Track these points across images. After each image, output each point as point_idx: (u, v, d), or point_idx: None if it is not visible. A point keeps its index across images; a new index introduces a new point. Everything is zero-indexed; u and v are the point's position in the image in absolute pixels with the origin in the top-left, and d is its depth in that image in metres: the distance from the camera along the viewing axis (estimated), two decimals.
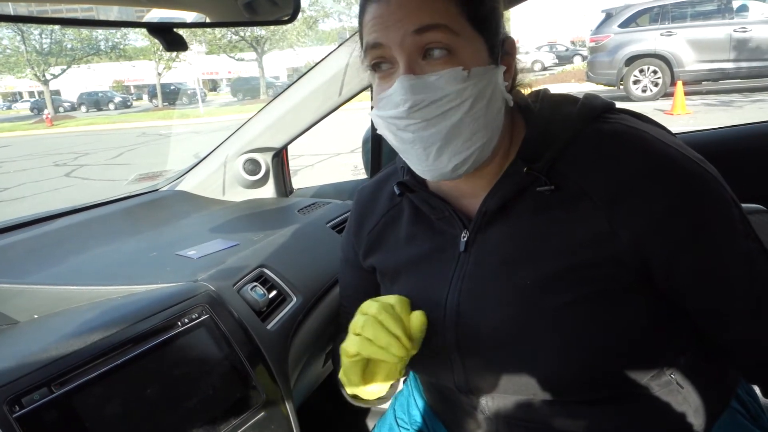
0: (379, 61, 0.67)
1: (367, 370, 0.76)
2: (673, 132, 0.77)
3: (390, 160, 0.99)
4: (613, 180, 0.65)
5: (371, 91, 1.48)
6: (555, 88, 0.78)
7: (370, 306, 0.71)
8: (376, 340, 0.69)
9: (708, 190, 0.66)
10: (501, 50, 0.69)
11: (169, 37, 0.72)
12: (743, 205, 0.69)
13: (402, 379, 1.05)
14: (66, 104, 32.62)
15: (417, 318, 0.70)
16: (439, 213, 0.77)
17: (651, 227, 0.64)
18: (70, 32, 27.87)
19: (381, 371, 0.76)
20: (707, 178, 0.66)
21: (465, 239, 0.74)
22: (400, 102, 0.64)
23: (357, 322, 0.71)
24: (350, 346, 0.71)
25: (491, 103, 0.66)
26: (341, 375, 0.78)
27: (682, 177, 0.65)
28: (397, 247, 0.83)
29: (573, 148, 0.69)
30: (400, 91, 0.64)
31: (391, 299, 0.72)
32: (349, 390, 0.80)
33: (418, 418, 0.97)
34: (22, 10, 0.75)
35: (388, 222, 0.85)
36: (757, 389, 0.88)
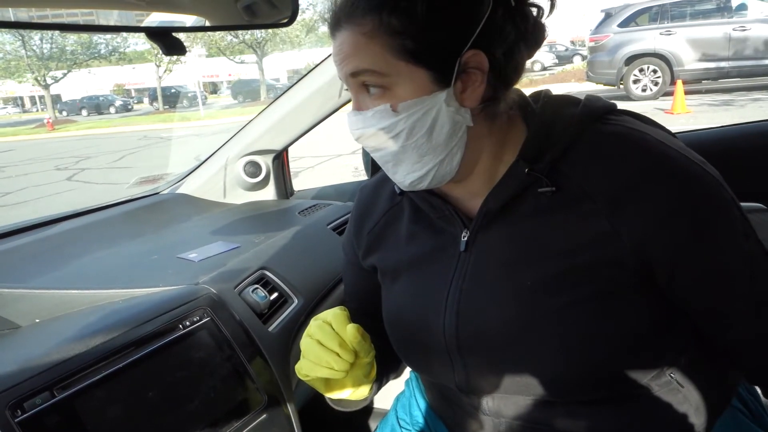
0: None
1: (333, 380, 0.78)
2: (674, 131, 0.77)
3: None
4: (615, 181, 0.65)
5: None
6: (555, 88, 0.78)
7: (309, 326, 0.74)
8: (318, 361, 0.71)
9: (709, 192, 0.66)
10: (457, 69, 0.66)
11: (168, 42, 0.72)
12: (743, 203, 0.69)
13: (404, 378, 1.05)
14: (63, 108, 32.62)
15: (350, 332, 0.72)
16: (440, 212, 0.77)
17: (652, 229, 0.64)
18: (72, 36, 27.93)
19: (345, 381, 0.78)
20: (708, 180, 0.66)
21: (465, 239, 0.74)
22: (352, 133, 0.72)
23: (301, 344, 0.74)
24: (300, 369, 0.74)
25: (435, 129, 0.68)
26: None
27: (683, 179, 0.65)
28: (398, 246, 0.83)
29: (574, 149, 0.69)
30: (348, 123, 0.72)
31: (328, 315, 0.74)
32: (327, 396, 0.82)
33: (420, 419, 0.97)
34: (23, 15, 0.75)
35: (389, 221, 0.85)
36: (758, 389, 0.88)
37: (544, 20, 0.72)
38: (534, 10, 0.71)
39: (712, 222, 0.65)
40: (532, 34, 0.70)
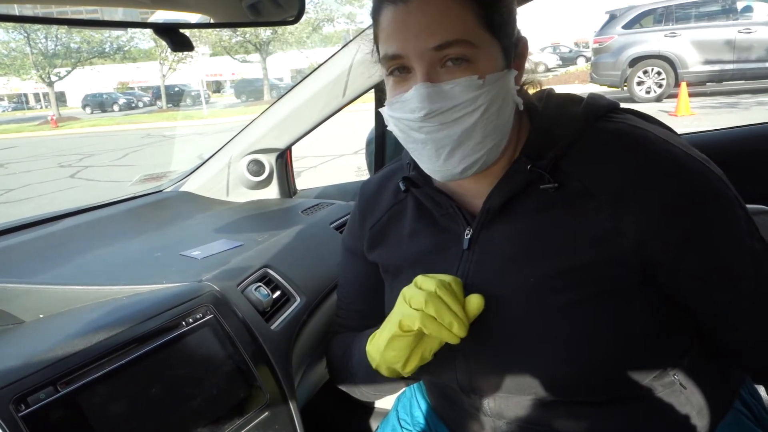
0: (396, 67, 0.68)
1: (415, 350, 0.73)
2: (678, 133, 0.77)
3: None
4: (618, 179, 0.65)
5: (375, 91, 1.49)
6: (559, 90, 0.78)
7: (425, 282, 0.69)
8: (439, 318, 0.67)
9: (712, 190, 0.65)
10: (514, 52, 0.70)
11: (175, 38, 0.72)
12: (747, 206, 0.69)
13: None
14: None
15: (475, 300, 0.68)
16: (443, 209, 0.77)
17: (655, 227, 0.64)
18: (76, 35, 28.02)
19: (424, 348, 0.73)
20: (711, 178, 0.66)
21: (468, 236, 0.74)
22: (416, 108, 0.65)
23: (417, 297, 0.68)
24: (411, 320, 0.68)
25: (503, 108, 0.67)
26: (371, 349, 0.77)
27: (686, 177, 0.64)
28: (401, 242, 0.83)
29: (577, 146, 0.69)
30: (417, 99, 0.65)
31: (447, 277, 0.70)
32: (382, 365, 0.77)
33: (421, 419, 0.97)
34: (28, 11, 0.75)
35: (392, 217, 0.85)
36: (761, 390, 0.88)
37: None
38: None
39: (716, 220, 0.65)
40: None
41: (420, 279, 0.70)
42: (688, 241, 0.65)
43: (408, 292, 0.71)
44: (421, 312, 0.68)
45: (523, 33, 0.72)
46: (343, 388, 0.95)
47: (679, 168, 0.65)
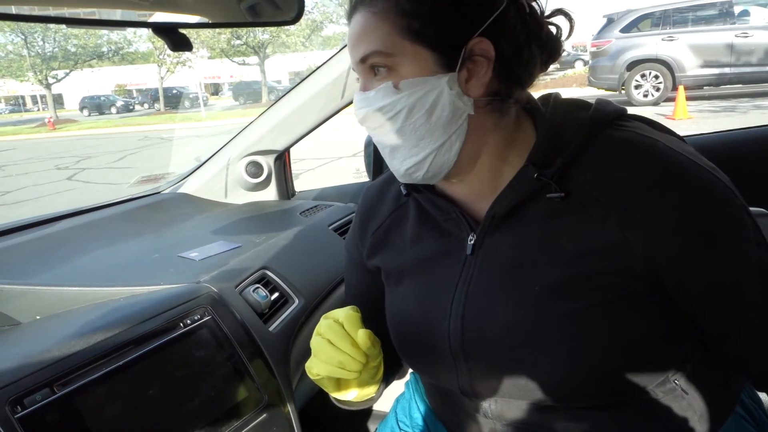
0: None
1: (342, 381, 0.78)
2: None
3: None
4: (625, 188, 0.65)
5: None
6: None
7: (319, 325, 0.74)
8: (329, 361, 0.71)
9: (720, 199, 0.65)
10: (464, 55, 0.67)
11: (174, 38, 0.72)
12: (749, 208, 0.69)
13: (404, 380, 1.05)
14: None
15: (362, 337, 0.72)
16: (446, 214, 0.76)
17: (663, 236, 0.64)
18: (73, 37, 28.00)
19: (352, 382, 0.78)
20: (719, 187, 0.65)
21: (472, 242, 0.74)
22: (357, 114, 0.73)
23: (312, 343, 0.74)
24: (311, 368, 0.73)
25: (435, 111, 0.68)
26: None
27: (694, 186, 0.64)
28: (403, 248, 0.82)
29: (585, 154, 0.68)
30: (355, 105, 0.74)
31: (340, 315, 0.74)
32: (333, 395, 0.82)
33: (420, 421, 0.97)
34: (26, 10, 0.75)
35: (394, 222, 0.85)
36: (763, 396, 0.88)
37: (562, 39, 0.74)
38: (553, 29, 0.73)
39: (724, 229, 0.65)
40: (547, 44, 0.72)
41: (319, 324, 0.75)
42: (696, 250, 0.64)
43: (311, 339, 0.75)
44: (317, 359, 0.73)
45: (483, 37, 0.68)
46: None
47: (688, 178, 0.65)
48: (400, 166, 0.72)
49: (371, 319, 0.86)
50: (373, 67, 0.70)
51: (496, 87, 0.70)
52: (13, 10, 0.70)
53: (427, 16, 0.67)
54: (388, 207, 0.87)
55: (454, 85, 0.68)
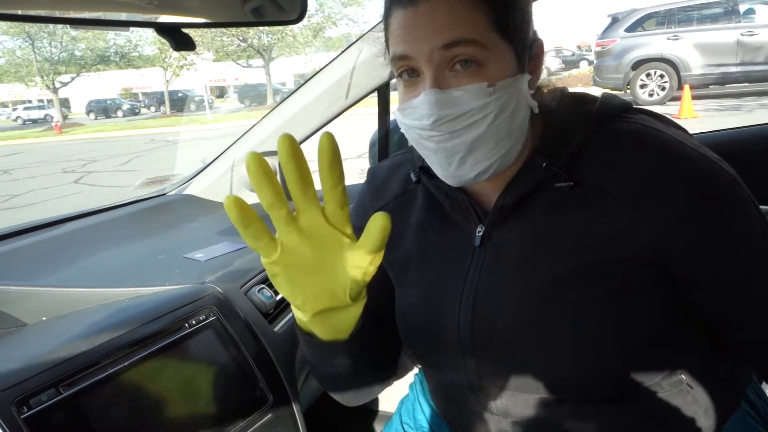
0: (405, 70, 0.67)
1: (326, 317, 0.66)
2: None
3: None
4: (633, 179, 0.65)
5: (378, 94, 1.49)
6: None
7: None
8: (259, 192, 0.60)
9: (727, 190, 0.65)
10: (528, 55, 0.68)
11: (178, 38, 0.72)
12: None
13: (407, 383, 1.05)
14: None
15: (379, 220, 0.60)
16: (456, 204, 0.76)
17: (670, 227, 0.64)
18: (80, 42, 28.20)
19: (305, 282, 0.63)
20: (726, 178, 0.66)
21: (480, 234, 0.74)
22: (424, 115, 0.64)
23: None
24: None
25: (515, 113, 0.67)
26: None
27: (701, 177, 0.64)
28: (408, 233, 0.82)
29: (592, 145, 0.68)
30: (425, 105, 0.64)
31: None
32: (300, 317, 0.69)
33: (424, 423, 0.97)
34: (30, 11, 0.75)
35: (399, 206, 0.84)
36: (767, 389, 0.88)
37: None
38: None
39: (731, 220, 0.65)
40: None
41: None
42: (703, 240, 0.64)
43: None
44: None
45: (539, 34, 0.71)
46: (326, 389, 0.89)
47: (694, 169, 0.65)
48: (469, 171, 0.67)
49: (378, 306, 0.84)
50: (453, 59, 0.63)
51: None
52: (19, 11, 0.70)
53: (509, 9, 0.65)
54: (394, 190, 0.86)
55: (526, 86, 0.68)
